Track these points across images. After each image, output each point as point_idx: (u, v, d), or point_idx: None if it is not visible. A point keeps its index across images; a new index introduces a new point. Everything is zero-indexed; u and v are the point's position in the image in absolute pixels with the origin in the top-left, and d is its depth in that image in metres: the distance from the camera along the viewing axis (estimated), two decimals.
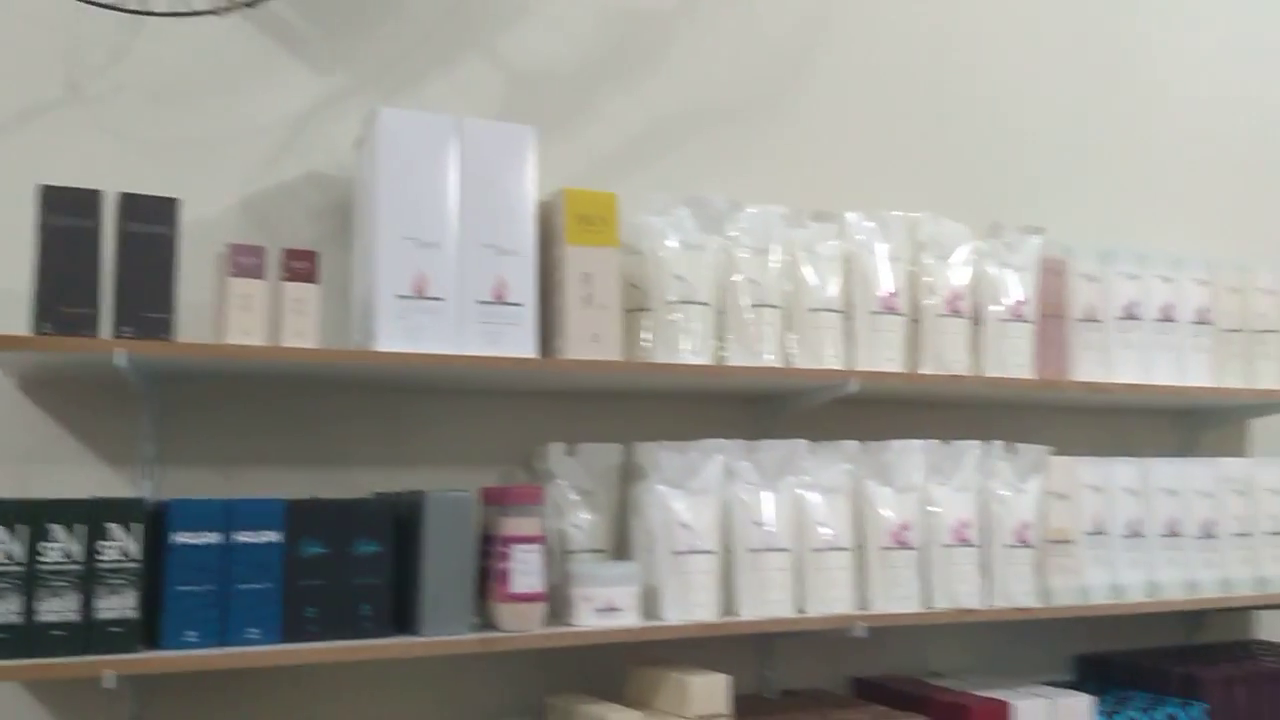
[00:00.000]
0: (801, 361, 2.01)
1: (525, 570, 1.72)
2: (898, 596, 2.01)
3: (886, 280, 2.08)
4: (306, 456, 1.89)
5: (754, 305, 1.97)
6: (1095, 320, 2.29)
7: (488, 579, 1.75)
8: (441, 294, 1.73)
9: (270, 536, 1.62)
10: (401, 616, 1.69)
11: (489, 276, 1.76)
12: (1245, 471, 2.38)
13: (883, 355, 2.07)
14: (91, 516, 1.53)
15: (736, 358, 1.95)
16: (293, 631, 1.61)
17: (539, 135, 1.84)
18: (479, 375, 1.82)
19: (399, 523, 1.70)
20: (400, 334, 1.69)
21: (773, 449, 1.99)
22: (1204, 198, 2.79)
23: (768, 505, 1.94)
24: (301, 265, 1.69)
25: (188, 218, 1.75)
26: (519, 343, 1.76)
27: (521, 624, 1.72)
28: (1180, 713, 2.18)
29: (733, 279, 1.96)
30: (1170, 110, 2.78)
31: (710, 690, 1.79)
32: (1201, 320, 2.39)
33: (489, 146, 1.80)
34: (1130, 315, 2.32)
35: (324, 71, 1.98)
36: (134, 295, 1.58)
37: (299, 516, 1.64)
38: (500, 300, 1.76)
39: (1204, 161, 2.80)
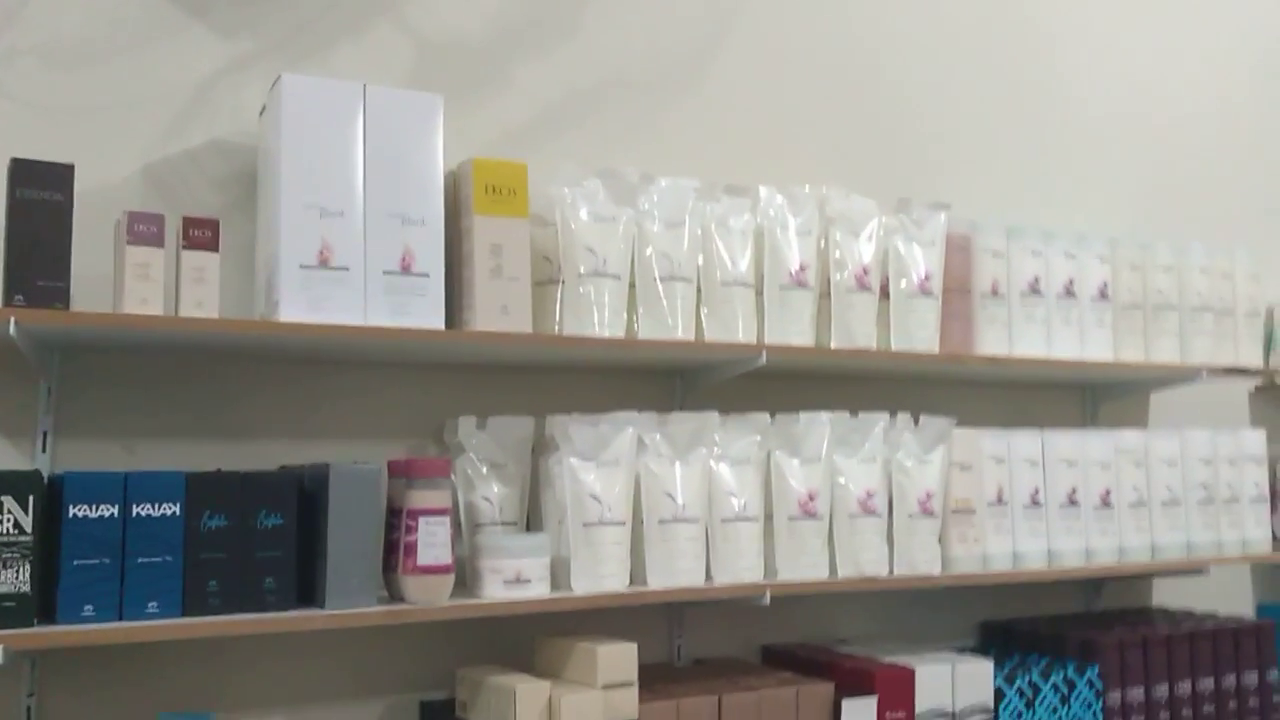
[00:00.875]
0: (713, 335, 2.03)
1: (432, 543, 1.71)
2: (804, 565, 2.05)
3: (796, 255, 2.10)
4: (211, 429, 1.86)
5: (666, 279, 1.97)
6: (999, 295, 2.34)
7: (394, 552, 1.74)
8: (346, 264, 1.71)
9: (170, 509, 1.59)
10: (306, 589, 1.68)
11: (395, 246, 1.75)
12: (1141, 442, 2.46)
13: (792, 329, 2.10)
14: None
15: (648, 331, 1.96)
16: (194, 605, 1.59)
17: (448, 104, 1.82)
18: (385, 347, 1.80)
19: (303, 495, 1.69)
20: (304, 304, 1.67)
21: (684, 421, 2.01)
22: (1107, 177, 2.86)
23: (678, 477, 1.96)
24: (202, 233, 1.66)
25: (87, 185, 1.71)
26: (426, 314, 1.75)
27: (428, 596, 1.72)
28: (1075, 676, 2.25)
29: (645, 252, 1.97)
30: (1074, 90, 2.84)
31: (618, 659, 1.81)
32: (1102, 296, 2.45)
33: (396, 115, 1.78)
34: (1034, 291, 2.37)
35: (229, 36, 1.94)
36: (26, 263, 1.54)
37: (200, 489, 1.62)
38: (407, 271, 1.75)
39: (1107, 141, 2.87)
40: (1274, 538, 2.83)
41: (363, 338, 1.71)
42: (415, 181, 1.78)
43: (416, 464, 1.75)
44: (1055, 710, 2.22)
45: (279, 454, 1.87)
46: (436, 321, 1.76)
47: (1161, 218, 2.88)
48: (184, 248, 1.65)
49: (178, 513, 1.59)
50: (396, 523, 1.75)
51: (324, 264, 1.70)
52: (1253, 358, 2.69)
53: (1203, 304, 2.59)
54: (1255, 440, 2.64)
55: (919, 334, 2.22)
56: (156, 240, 1.62)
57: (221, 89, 1.92)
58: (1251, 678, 2.50)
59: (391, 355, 1.91)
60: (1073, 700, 2.24)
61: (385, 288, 1.74)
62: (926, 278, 2.23)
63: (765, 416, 2.09)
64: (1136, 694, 2.34)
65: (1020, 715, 2.19)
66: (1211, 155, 3.04)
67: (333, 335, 1.69)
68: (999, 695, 2.17)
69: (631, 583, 1.92)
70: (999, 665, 2.22)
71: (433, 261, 1.77)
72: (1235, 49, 3.13)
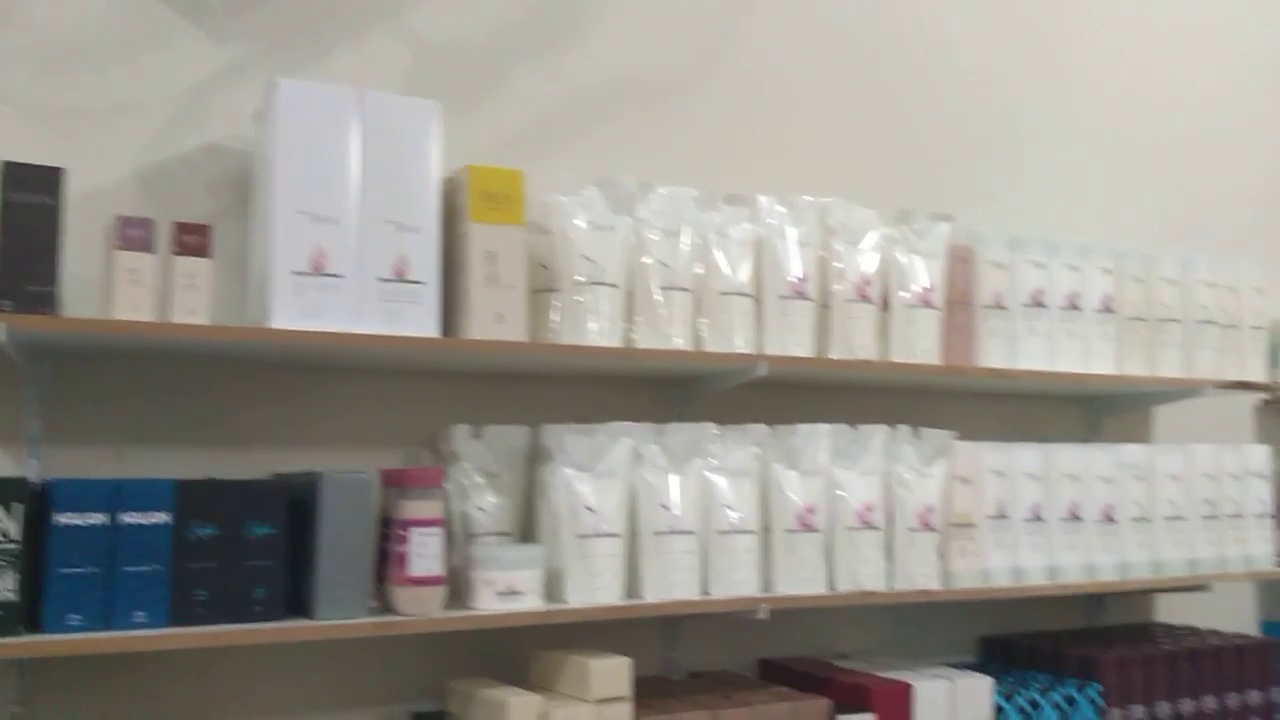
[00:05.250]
0: (711, 345, 2.01)
1: (424, 553, 1.69)
2: (802, 579, 2.02)
3: (796, 265, 2.09)
4: (202, 437, 1.84)
5: (664, 288, 1.96)
6: (1002, 307, 2.31)
7: (386, 562, 1.72)
8: (340, 270, 1.70)
9: (159, 518, 1.57)
10: (296, 600, 1.66)
11: (390, 254, 1.73)
12: (1145, 457, 2.43)
13: (792, 340, 2.07)
14: None
15: (645, 340, 1.94)
16: (181, 614, 1.57)
17: (446, 111, 1.81)
18: (379, 355, 1.79)
19: (294, 504, 1.66)
20: (296, 311, 1.65)
21: (680, 432, 1.99)
22: (1111, 189, 2.84)
23: (674, 488, 1.94)
24: (193, 239, 1.64)
25: (79, 189, 1.70)
26: (421, 322, 1.73)
27: (419, 608, 1.70)
28: (1076, 694, 2.22)
29: (643, 261, 1.95)
30: (1079, 102, 2.82)
31: (611, 673, 1.79)
32: (1106, 309, 2.43)
33: (392, 120, 1.77)
34: (1037, 303, 2.35)
35: (224, 40, 1.92)
36: (16, 267, 1.53)
37: (189, 497, 1.60)
38: (401, 278, 1.73)
39: (1112, 153, 2.85)
40: (1279, 555, 2.80)
41: (356, 345, 1.70)
42: (411, 188, 1.76)
43: (409, 474, 1.73)
44: None
45: (270, 462, 1.85)
46: (431, 329, 1.74)
47: (1166, 231, 2.86)
48: (175, 253, 1.63)
49: (167, 521, 1.58)
50: (388, 533, 1.73)
51: (318, 271, 1.68)
52: (1257, 372, 2.66)
53: (1207, 317, 2.56)
54: (1260, 456, 2.61)
55: (920, 345, 2.20)
56: (146, 245, 1.61)
57: (216, 93, 1.90)
58: (1256, 697, 2.47)
59: (385, 363, 1.90)
60: (1073, 718, 2.21)
61: (379, 295, 1.72)
62: (928, 289, 2.21)
63: (763, 428, 2.07)
64: (1138, 712, 2.31)
65: None
66: (1217, 168, 3.02)
67: (326, 343, 1.67)
68: (998, 712, 2.14)
69: (627, 595, 1.89)
70: (999, 682, 2.19)
71: (428, 269, 1.75)
72: (1242, 62, 3.11)
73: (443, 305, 1.77)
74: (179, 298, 1.62)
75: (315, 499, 1.66)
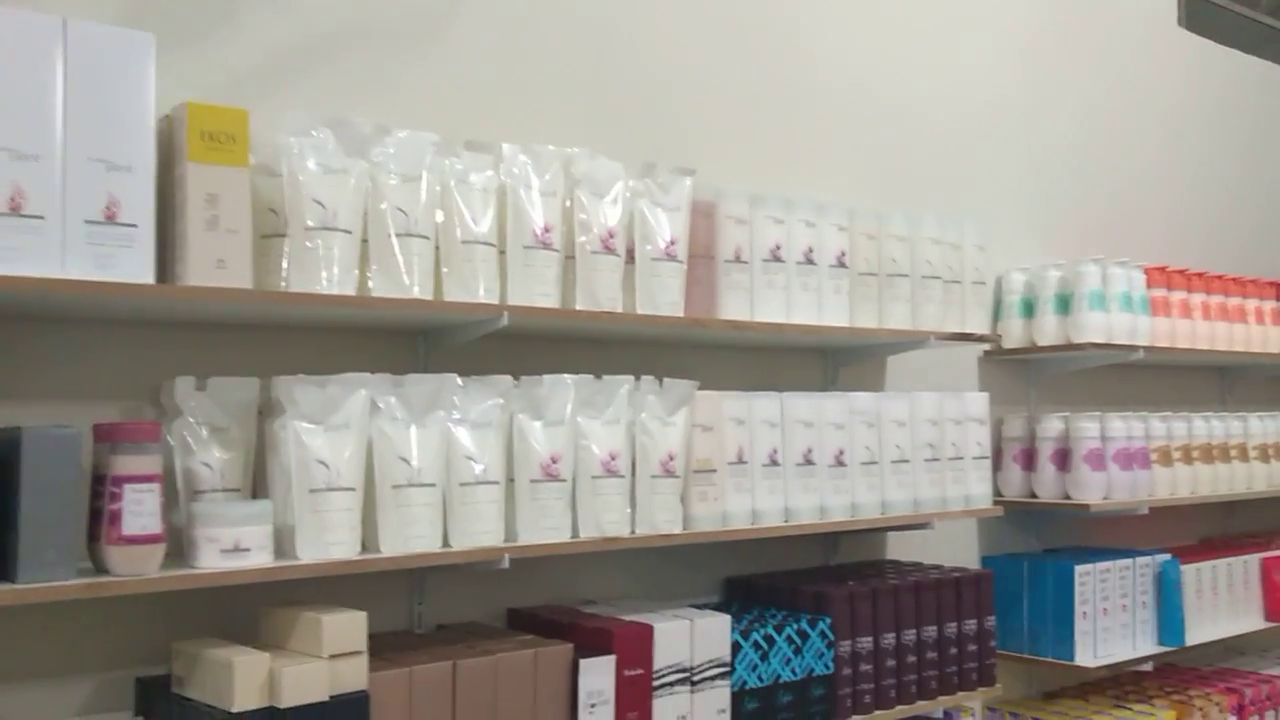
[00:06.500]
0: (452, 295, 1.98)
1: (138, 510, 1.61)
2: (546, 528, 2.04)
3: (540, 215, 2.08)
4: None
5: (401, 235, 1.91)
6: (742, 261, 2.39)
7: (98, 521, 1.63)
8: (41, 211, 1.58)
9: None
10: None
11: (99, 194, 1.62)
12: (874, 404, 2.57)
13: (536, 291, 2.07)
14: None
15: (382, 289, 1.90)
16: None
17: (168, 45, 1.71)
18: (88, 302, 1.68)
19: None
20: None
21: (420, 383, 1.96)
22: (847, 150, 2.97)
23: (414, 441, 1.91)
24: None
25: None
26: (133, 267, 1.64)
27: (134, 567, 1.61)
28: (808, 628, 2.34)
29: (379, 207, 1.90)
30: (819, 66, 2.92)
31: (344, 628, 1.75)
32: (840, 264, 2.54)
33: (101, 53, 1.65)
34: (775, 258, 2.43)
35: None
36: None
37: None
38: (112, 220, 1.62)
39: (848, 115, 2.97)
40: (995, 494, 3.03)
41: (60, 292, 1.58)
42: (122, 125, 1.65)
43: (121, 427, 1.64)
44: (789, 661, 2.30)
45: None
46: (145, 275, 1.65)
47: (896, 190, 3.01)
48: None
49: None
50: (100, 490, 1.64)
51: (15, 211, 1.56)
52: (979, 324, 2.85)
53: (933, 273, 2.72)
54: (979, 403, 2.80)
55: (663, 298, 2.24)
56: None
57: None
58: (971, 625, 2.67)
59: (97, 311, 1.78)
60: (805, 651, 2.33)
61: (87, 238, 1.61)
62: (671, 243, 2.25)
63: (508, 379, 2.06)
64: (866, 643, 2.46)
65: (756, 667, 2.26)
66: (945, 132, 3.20)
67: (26, 289, 1.55)
68: (736, 648, 2.23)
69: (364, 550, 1.86)
70: (737, 620, 2.28)
71: (142, 211, 1.65)
72: (973, 31, 3.30)
73: (159, 251, 1.68)
74: None
75: (16, 455, 1.55)
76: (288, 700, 1.66)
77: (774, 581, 2.56)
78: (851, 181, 2.93)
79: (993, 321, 3.19)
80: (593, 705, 2.03)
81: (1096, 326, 3.09)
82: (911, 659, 2.54)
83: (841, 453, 2.49)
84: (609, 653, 2.06)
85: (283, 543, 1.79)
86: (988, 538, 3.22)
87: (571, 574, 2.38)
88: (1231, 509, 3.93)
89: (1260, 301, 3.69)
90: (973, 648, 2.68)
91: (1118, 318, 3.14)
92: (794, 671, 2.31)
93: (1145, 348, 3.19)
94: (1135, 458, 3.15)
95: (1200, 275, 3.51)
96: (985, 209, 3.17)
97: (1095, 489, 3.07)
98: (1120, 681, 3.41)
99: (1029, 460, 3.16)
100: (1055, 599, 3.01)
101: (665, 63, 2.62)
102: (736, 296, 2.38)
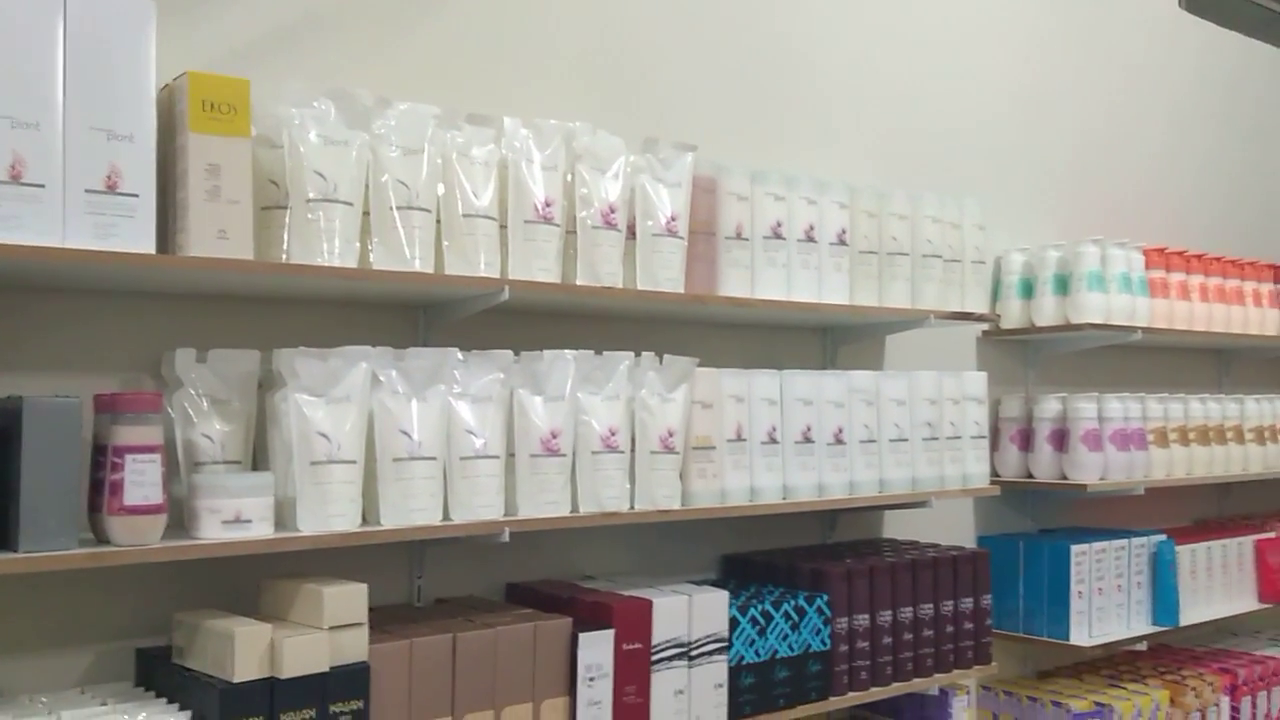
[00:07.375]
0: (453, 268, 1.98)
1: (140, 481, 1.61)
2: (545, 502, 2.04)
3: (541, 190, 2.08)
4: None
5: (403, 208, 1.91)
6: (743, 238, 2.38)
7: (100, 491, 1.63)
8: (42, 180, 1.57)
9: None
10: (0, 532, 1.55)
11: (100, 163, 1.61)
12: (872, 383, 2.57)
13: (537, 265, 2.07)
14: None
15: (383, 262, 1.89)
16: None
17: (169, 13, 1.70)
18: (89, 272, 1.67)
19: None
20: None
21: (421, 357, 1.96)
22: (849, 126, 2.96)
23: (415, 414, 1.91)
24: None
25: None
26: (134, 237, 1.63)
27: (135, 537, 1.62)
28: (806, 605, 2.35)
29: (380, 179, 1.90)
30: (821, 42, 2.91)
31: (346, 600, 1.76)
32: (840, 241, 2.54)
33: (102, 20, 1.63)
34: (776, 235, 2.43)
35: None
36: None
37: None
38: (112, 190, 1.62)
39: (850, 92, 2.96)
40: (992, 473, 3.04)
41: (60, 261, 1.58)
42: (123, 94, 1.64)
43: (122, 398, 1.64)
44: (786, 637, 2.31)
45: None
46: (146, 245, 1.64)
47: (897, 168, 3.01)
48: None
49: None
50: (101, 460, 1.63)
51: (15, 180, 1.55)
52: (978, 303, 2.85)
53: (933, 251, 2.72)
54: (977, 382, 2.81)
55: (664, 274, 2.24)
56: None
57: None
58: (967, 604, 2.68)
59: (97, 282, 1.78)
60: (803, 627, 2.34)
61: (87, 207, 1.60)
62: (672, 219, 2.25)
63: (508, 354, 2.06)
64: (862, 620, 2.47)
65: (754, 642, 2.27)
66: (947, 111, 3.19)
67: (26, 258, 1.55)
68: (733, 624, 2.24)
69: (365, 523, 1.86)
70: (735, 596, 2.29)
71: (143, 181, 1.64)
72: (977, 10, 3.29)
73: (160, 221, 1.67)
74: None
75: (17, 425, 1.55)
76: (288, 671, 1.67)
77: (772, 559, 2.57)
78: (853, 159, 2.92)
79: (992, 301, 3.19)
80: (591, 679, 2.03)
81: (1095, 307, 3.09)
82: (908, 636, 2.56)
83: (840, 431, 2.49)
84: (608, 627, 2.07)
85: (284, 515, 1.79)
86: (984, 517, 3.23)
87: (570, 549, 2.39)
88: (1227, 491, 3.95)
89: (1258, 284, 3.70)
90: (969, 626, 2.69)
91: (1116, 299, 3.14)
92: (791, 647, 2.32)
93: (1143, 329, 3.19)
94: (1132, 439, 3.16)
95: (1199, 257, 3.51)
96: (986, 189, 3.17)
97: (1092, 469, 3.08)
98: (1114, 661, 3.43)
99: (1026, 440, 3.17)
100: (1051, 578, 3.02)
101: (668, 38, 2.61)
102: (737, 273, 2.37)
